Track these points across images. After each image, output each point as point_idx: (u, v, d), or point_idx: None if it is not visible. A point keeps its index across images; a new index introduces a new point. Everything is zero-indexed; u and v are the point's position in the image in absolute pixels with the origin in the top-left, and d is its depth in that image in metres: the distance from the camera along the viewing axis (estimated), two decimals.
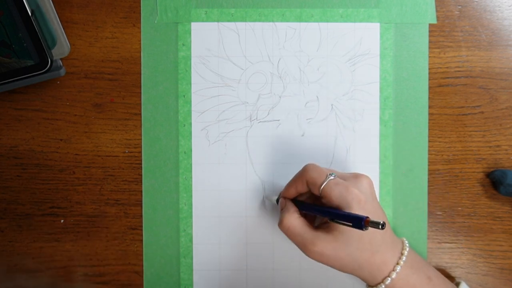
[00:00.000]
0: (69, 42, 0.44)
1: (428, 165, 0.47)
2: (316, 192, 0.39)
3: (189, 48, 0.46)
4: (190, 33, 0.46)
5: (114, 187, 0.46)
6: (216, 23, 0.46)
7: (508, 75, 0.47)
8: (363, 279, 0.40)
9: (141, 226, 0.47)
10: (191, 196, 0.46)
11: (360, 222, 0.34)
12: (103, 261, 0.47)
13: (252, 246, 0.47)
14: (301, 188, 0.41)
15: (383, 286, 0.39)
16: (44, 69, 0.43)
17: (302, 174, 0.40)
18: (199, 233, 0.47)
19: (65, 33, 0.44)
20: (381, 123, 0.47)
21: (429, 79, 0.47)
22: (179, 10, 0.46)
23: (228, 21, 0.46)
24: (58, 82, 0.46)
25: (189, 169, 0.46)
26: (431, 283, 0.40)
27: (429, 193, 0.47)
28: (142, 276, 0.47)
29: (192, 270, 0.47)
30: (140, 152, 0.46)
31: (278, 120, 0.47)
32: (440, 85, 0.47)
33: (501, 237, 0.47)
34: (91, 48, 0.46)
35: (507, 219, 0.47)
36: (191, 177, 0.46)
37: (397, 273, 0.39)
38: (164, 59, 0.46)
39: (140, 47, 0.46)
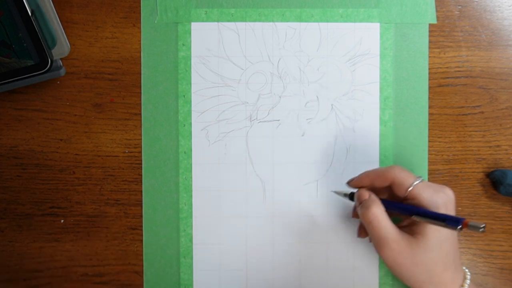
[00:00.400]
0: (69, 42, 0.44)
1: (428, 165, 0.47)
2: (401, 192, 0.39)
3: (189, 48, 0.46)
4: (190, 33, 0.46)
5: (114, 187, 0.46)
6: (216, 23, 0.46)
7: (508, 75, 0.47)
8: None
9: (141, 226, 0.47)
10: (191, 196, 0.46)
11: (457, 223, 0.34)
12: (103, 261, 0.47)
13: (252, 246, 0.47)
14: (380, 183, 0.40)
15: None
16: (44, 69, 0.43)
17: (388, 172, 0.40)
18: (199, 233, 0.47)
19: (65, 33, 0.44)
20: (381, 123, 0.47)
21: (429, 79, 0.47)
22: (179, 10, 0.46)
23: (228, 21, 0.46)
24: (58, 82, 0.46)
25: (189, 169, 0.46)
26: None
27: None
28: (142, 276, 0.47)
29: (192, 270, 0.47)
30: (140, 152, 0.46)
31: (278, 120, 0.47)
32: (440, 85, 0.47)
33: (501, 237, 0.47)
34: (91, 48, 0.46)
35: (507, 219, 0.47)
36: (191, 177, 0.46)
37: None
38: (164, 59, 0.46)
39: (140, 47, 0.46)
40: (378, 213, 0.38)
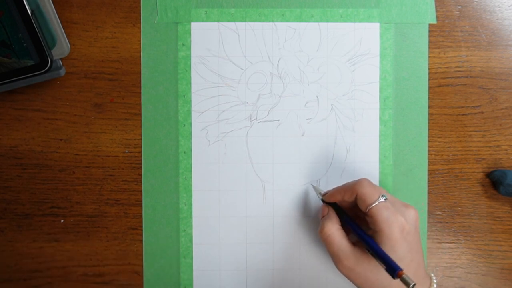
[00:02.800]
0: (69, 42, 0.44)
1: (428, 165, 0.47)
2: (363, 208, 0.40)
3: (189, 48, 0.46)
4: (190, 33, 0.46)
5: (114, 187, 0.46)
6: (216, 23, 0.46)
7: (508, 75, 0.47)
8: None
9: (141, 226, 0.47)
10: (191, 196, 0.46)
11: (393, 271, 0.35)
12: (103, 261, 0.47)
13: (252, 246, 0.47)
14: (348, 198, 0.41)
15: None
16: (44, 69, 0.43)
17: (355, 187, 0.40)
18: (199, 233, 0.47)
19: (65, 33, 0.44)
20: (381, 123, 0.47)
21: (429, 79, 0.47)
22: (179, 10, 0.46)
23: (228, 21, 0.46)
24: (58, 82, 0.46)
25: (189, 169, 0.46)
26: None
27: (429, 193, 0.47)
28: (142, 276, 0.47)
29: (192, 270, 0.47)
30: (140, 152, 0.46)
31: (278, 120, 0.47)
32: (440, 85, 0.47)
33: (501, 237, 0.47)
34: (91, 48, 0.46)
35: (507, 219, 0.47)
36: (191, 177, 0.46)
37: None
38: (164, 59, 0.46)
39: (140, 47, 0.46)
40: (332, 231, 0.40)
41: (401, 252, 0.38)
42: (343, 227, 0.42)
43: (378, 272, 0.38)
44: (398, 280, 0.37)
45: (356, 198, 0.40)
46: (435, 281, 0.41)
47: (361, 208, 0.40)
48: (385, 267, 0.36)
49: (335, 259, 0.40)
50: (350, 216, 0.42)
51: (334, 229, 0.40)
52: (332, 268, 0.47)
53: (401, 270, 0.35)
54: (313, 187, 0.46)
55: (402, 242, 0.38)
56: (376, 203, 0.39)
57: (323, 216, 0.43)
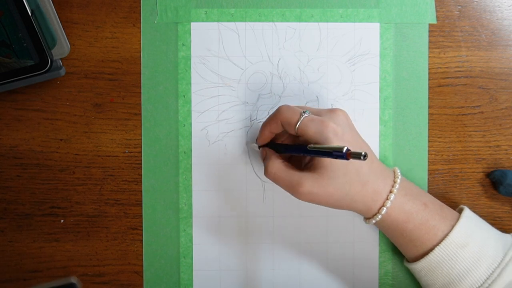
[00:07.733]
0: (69, 42, 0.44)
1: (428, 165, 0.47)
2: (292, 131, 0.39)
3: (189, 48, 0.46)
4: (190, 33, 0.46)
5: (114, 187, 0.46)
6: (216, 23, 0.46)
7: (508, 75, 0.47)
8: (360, 212, 0.40)
9: (141, 226, 0.47)
10: (191, 196, 0.47)
11: (342, 154, 0.33)
12: (103, 261, 0.47)
13: (252, 246, 0.47)
14: (275, 129, 0.40)
15: (379, 217, 0.39)
16: (44, 69, 0.43)
17: (276, 115, 0.40)
18: (199, 233, 0.47)
19: (65, 33, 0.44)
20: (381, 123, 0.47)
21: (429, 79, 0.47)
22: (179, 10, 0.46)
23: (228, 21, 0.46)
24: (58, 82, 0.46)
25: (189, 169, 0.46)
26: (427, 210, 0.40)
27: (429, 193, 0.47)
28: (142, 276, 0.47)
29: (192, 270, 0.47)
30: (140, 152, 0.46)
31: None
32: (440, 85, 0.47)
33: None
34: (91, 48, 0.46)
35: (507, 219, 0.47)
36: (191, 177, 0.46)
37: (391, 201, 0.39)
38: (164, 59, 0.46)
39: (140, 47, 0.46)
40: (275, 167, 0.39)
41: None
42: (291, 162, 0.41)
43: (334, 182, 0.37)
44: (355, 178, 0.37)
45: (282, 126, 0.40)
46: (399, 173, 0.41)
47: (291, 133, 0.39)
48: (335, 156, 0.34)
49: (291, 191, 0.39)
50: (284, 144, 0.41)
51: (276, 164, 0.39)
52: (332, 268, 0.47)
53: (348, 149, 0.33)
54: (249, 145, 0.46)
55: (342, 144, 0.37)
56: (301, 120, 0.38)
57: (264, 159, 0.42)
